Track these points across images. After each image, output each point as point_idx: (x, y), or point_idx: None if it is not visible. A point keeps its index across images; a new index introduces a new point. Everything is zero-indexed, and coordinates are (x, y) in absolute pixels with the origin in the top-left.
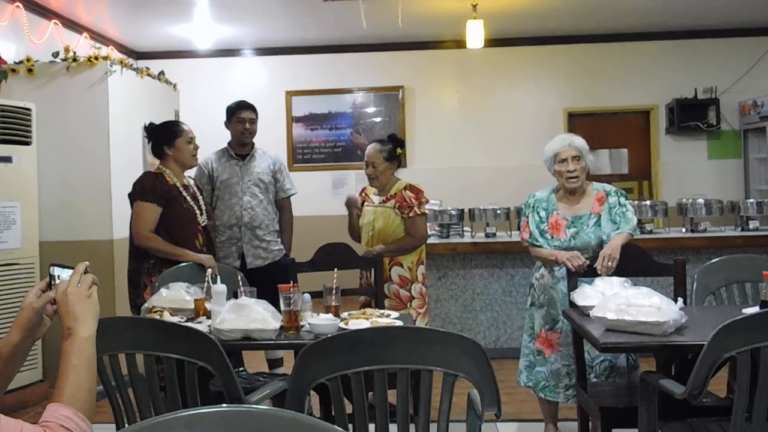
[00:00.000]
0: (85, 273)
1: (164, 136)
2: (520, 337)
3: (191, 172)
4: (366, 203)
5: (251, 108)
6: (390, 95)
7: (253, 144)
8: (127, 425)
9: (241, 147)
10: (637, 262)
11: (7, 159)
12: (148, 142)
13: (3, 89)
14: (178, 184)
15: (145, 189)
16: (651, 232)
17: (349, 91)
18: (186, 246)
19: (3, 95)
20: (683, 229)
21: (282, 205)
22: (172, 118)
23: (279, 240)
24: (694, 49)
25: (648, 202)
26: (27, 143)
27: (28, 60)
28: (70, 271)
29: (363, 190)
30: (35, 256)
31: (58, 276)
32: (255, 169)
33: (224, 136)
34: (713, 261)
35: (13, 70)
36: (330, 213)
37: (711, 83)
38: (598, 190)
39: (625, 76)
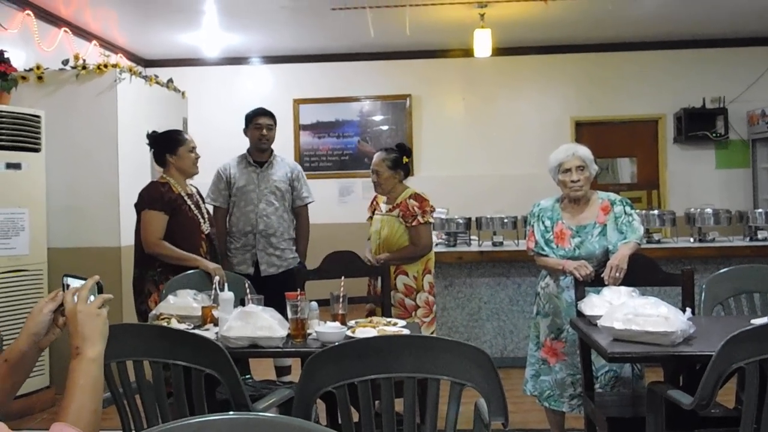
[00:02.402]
0: (98, 288)
1: (167, 144)
2: (527, 346)
3: (197, 182)
4: (375, 211)
5: (269, 114)
6: (397, 103)
7: (272, 151)
8: None
9: (259, 153)
10: (644, 272)
11: (17, 166)
12: (150, 150)
13: (13, 96)
14: (182, 193)
15: (153, 198)
16: (659, 241)
17: (356, 99)
18: (191, 254)
19: (13, 102)
20: (691, 239)
21: (298, 212)
22: (181, 126)
23: (294, 248)
24: (702, 58)
25: (656, 212)
26: (36, 150)
27: (38, 67)
28: (84, 282)
29: (374, 198)
30: (43, 263)
31: (68, 285)
32: (272, 177)
33: (232, 143)
34: (721, 271)
35: (23, 78)
36: (337, 221)
37: (719, 93)
38: (602, 200)
39: (632, 85)
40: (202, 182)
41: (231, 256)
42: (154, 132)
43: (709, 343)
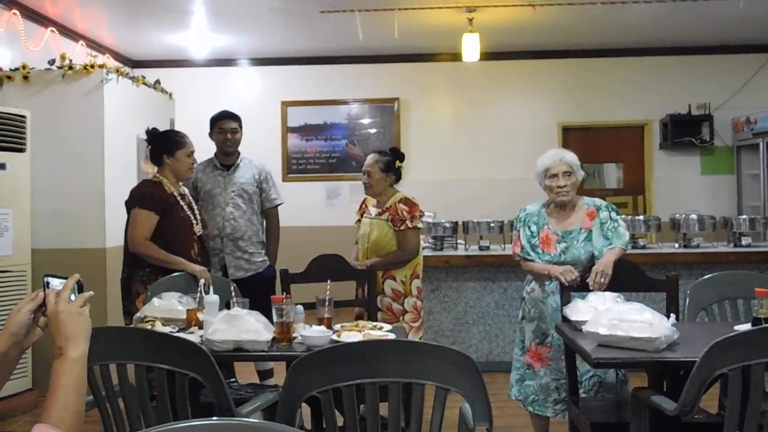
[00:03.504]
0: (78, 287)
1: (166, 145)
2: (512, 351)
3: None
4: (364, 215)
5: (232, 117)
6: (385, 107)
7: (238, 153)
8: None
9: (225, 157)
10: (629, 278)
11: (1, 166)
12: (147, 146)
13: None
14: (175, 193)
15: (143, 196)
16: (644, 247)
17: (344, 102)
18: (182, 255)
19: None
20: (676, 245)
21: (268, 215)
22: (168, 127)
23: (263, 251)
24: (689, 65)
25: (641, 217)
26: (21, 150)
27: (24, 67)
28: (64, 281)
29: (363, 201)
30: (27, 264)
31: (48, 283)
32: (239, 180)
33: None
34: (706, 277)
35: (9, 77)
36: (324, 224)
37: (705, 99)
38: (588, 205)
39: (619, 90)
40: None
41: (200, 260)
42: (154, 129)
43: (693, 349)
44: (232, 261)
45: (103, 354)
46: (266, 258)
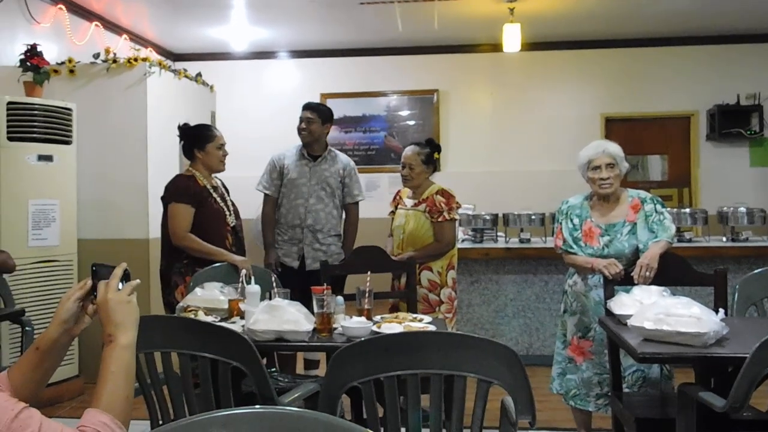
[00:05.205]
0: (125, 276)
1: (196, 139)
2: (553, 344)
3: (222, 174)
4: (399, 206)
5: (309, 108)
6: (424, 98)
7: (326, 145)
8: (161, 422)
9: (307, 146)
10: (676, 271)
11: (49, 158)
12: (180, 142)
13: (45, 89)
14: (208, 186)
15: (179, 190)
16: (690, 240)
17: (383, 94)
18: (217, 246)
19: (45, 95)
20: (723, 238)
21: (348, 210)
22: (209, 120)
23: (340, 244)
24: (737, 53)
25: (687, 210)
26: (67, 143)
27: (70, 61)
28: (112, 270)
29: (398, 193)
30: (73, 254)
31: (96, 272)
32: (324, 173)
33: (259, 137)
34: (756, 271)
35: (55, 71)
36: (362, 216)
37: (754, 89)
38: (632, 198)
39: (664, 81)
40: (231, 176)
41: (278, 247)
42: (185, 124)
43: (743, 345)
44: (310, 252)
45: (148, 342)
46: (342, 251)
